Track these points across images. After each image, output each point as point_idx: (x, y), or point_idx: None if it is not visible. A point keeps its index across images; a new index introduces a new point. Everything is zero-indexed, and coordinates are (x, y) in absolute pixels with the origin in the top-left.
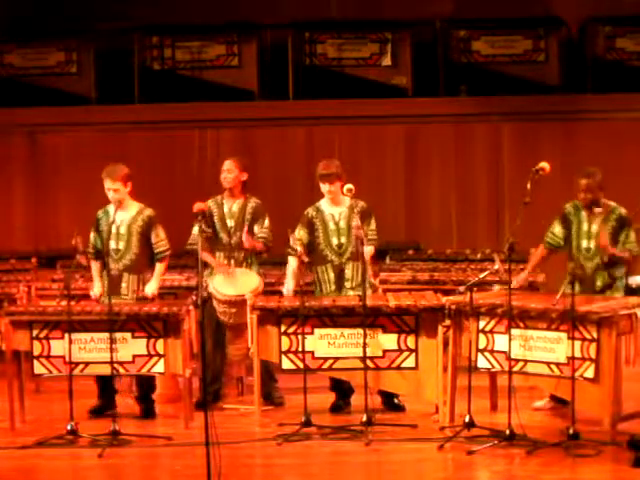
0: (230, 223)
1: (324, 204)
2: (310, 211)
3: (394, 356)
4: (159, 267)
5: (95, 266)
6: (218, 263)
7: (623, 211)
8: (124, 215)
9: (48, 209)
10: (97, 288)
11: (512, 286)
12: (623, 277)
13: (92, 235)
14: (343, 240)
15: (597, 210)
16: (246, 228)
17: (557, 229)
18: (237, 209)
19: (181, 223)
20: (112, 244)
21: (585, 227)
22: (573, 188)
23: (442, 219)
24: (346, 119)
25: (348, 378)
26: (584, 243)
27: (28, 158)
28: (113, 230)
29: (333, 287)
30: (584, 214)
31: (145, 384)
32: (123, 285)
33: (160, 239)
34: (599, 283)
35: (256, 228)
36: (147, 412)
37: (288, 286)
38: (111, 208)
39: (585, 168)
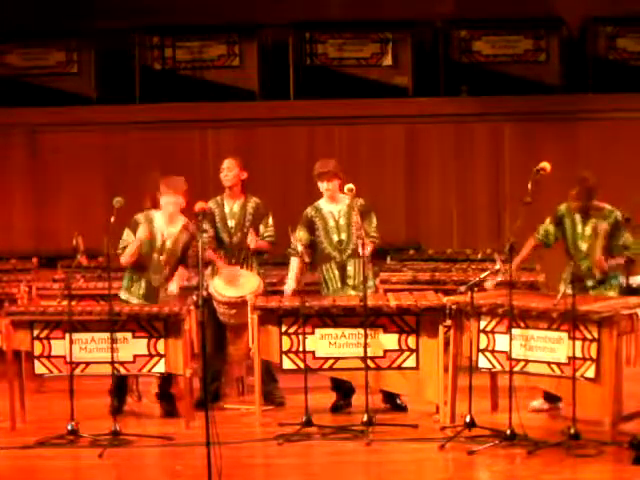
0: (231, 223)
1: (323, 203)
2: (309, 211)
3: (395, 356)
4: (182, 270)
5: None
6: (224, 264)
7: (619, 214)
8: (171, 229)
9: (48, 209)
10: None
11: (487, 287)
12: (618, 276)
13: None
14: (343, 237)
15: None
16: (252, 230)
17: (550, 228)
18: (238, 209)
19: None
20: (154, 256)
21: (580, 229)
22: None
23: (442, 219)
24: (346, 119)
25: (349, 378)
26: (579, 244)
27: (28, 158)
28: (158, 243)
29: (339, 284)
30: (578, 215)
31: (166, 381)
32: (161, 296)
33: (193, 248)
34: (590, 282)
35: (261, 228)
36: (170, 412)
37: (289, 286)
38: (157, 217)
39: (578, 173)
